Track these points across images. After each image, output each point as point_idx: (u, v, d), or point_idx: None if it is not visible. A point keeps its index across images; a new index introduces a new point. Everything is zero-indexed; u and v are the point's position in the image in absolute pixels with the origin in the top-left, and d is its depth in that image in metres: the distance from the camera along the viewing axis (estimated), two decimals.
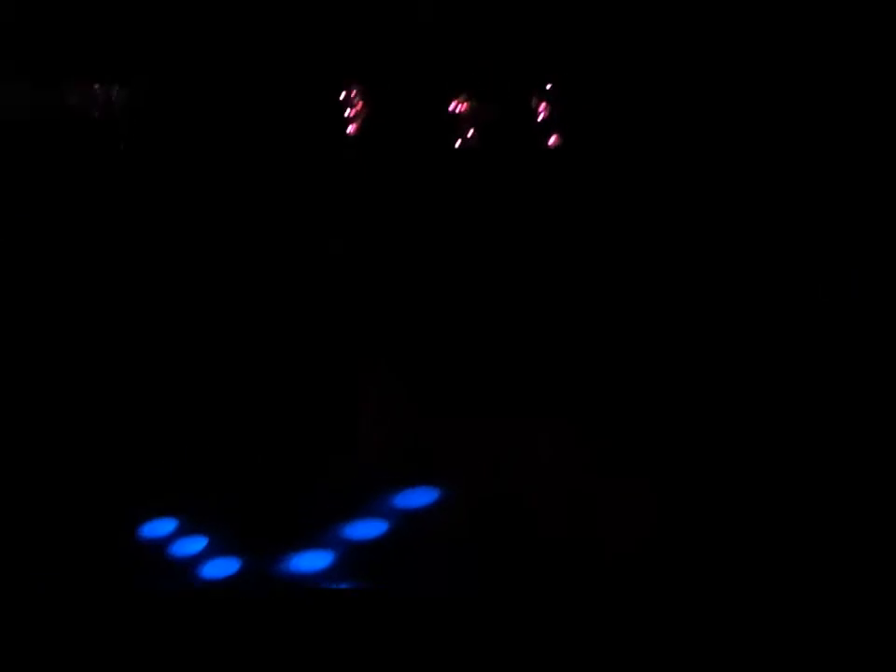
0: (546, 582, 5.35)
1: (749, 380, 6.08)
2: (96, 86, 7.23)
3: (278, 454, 6.10)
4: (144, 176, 7.06)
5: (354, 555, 5.73)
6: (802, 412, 5.89)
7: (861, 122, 6.52)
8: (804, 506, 5.48)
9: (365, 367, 6.57)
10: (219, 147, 7.09)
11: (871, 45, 6.48)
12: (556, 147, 6.92)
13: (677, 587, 5.25)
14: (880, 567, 5.14)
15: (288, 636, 5.41)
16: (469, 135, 7.03)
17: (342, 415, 6.32)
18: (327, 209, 7.02)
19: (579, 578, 5.34)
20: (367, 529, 5.92)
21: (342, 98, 7.15)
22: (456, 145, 7.04)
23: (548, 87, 6.94)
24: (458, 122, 7.03)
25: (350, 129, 7.15)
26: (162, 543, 5.85)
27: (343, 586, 5.68)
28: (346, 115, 7.15)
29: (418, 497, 6.03)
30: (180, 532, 5.91)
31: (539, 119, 6.95)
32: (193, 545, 5.89)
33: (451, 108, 7.03)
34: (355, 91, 7.15)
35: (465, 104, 7.02)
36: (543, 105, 6.94)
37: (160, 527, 5.97)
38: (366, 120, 7.15)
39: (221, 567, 5.73)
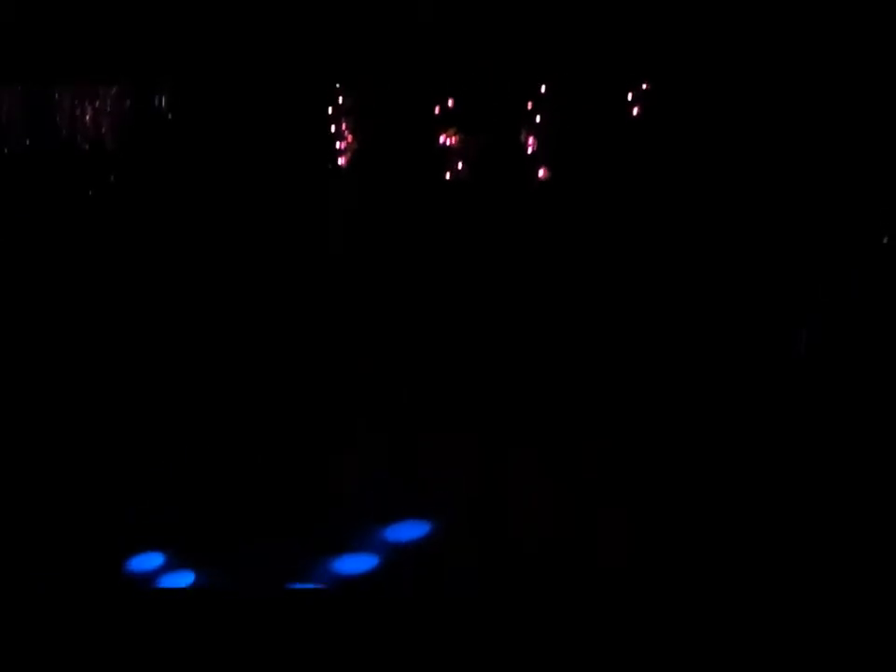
0: (542, 586, 5.37)
1: (745, 389, 6.13)
2: (87, 117, 7.26)
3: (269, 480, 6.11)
4: (141, 199, 7.10)
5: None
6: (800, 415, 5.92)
7: (858, 124, 6.59)
8: (797, 512, 5.52)
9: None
10: (216, 165, 7.15)
11: (870, 50, 6.52)
12: (546, 180, 7.00)
13: (666, 593, 5.27)
14: (863, 582, 5.18)
15: (288, 636, 5.38)
16: (459, 168, 7.11)
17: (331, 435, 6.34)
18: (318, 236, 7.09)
19: (572, 583, 5.36)
20: (357, 563, 5.92)
21: (332, 131, 7.23)
22: (447, 177, 7.12)
23: (537, 120, 7.03)
24: (448, 155, 7.11)
25: (341, 161, 7.22)
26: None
27: (343, 586, 5.67)
28: (337, 147, 7.22)
29: (408, 531, 6.03)
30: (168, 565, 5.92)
31: (529, 153, 7.04)
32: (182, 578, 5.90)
33: (441, 141, 7.11)
34: (345, 124, 7.23)
35: (455, 137, 7.10)
36: (532, 138, 7.03)
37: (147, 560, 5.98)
38: (356, 153, 7.22)
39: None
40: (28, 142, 7.28)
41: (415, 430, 6.30)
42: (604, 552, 5.61)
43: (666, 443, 6.04)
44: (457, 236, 7.04)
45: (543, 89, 7.00)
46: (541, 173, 7.03)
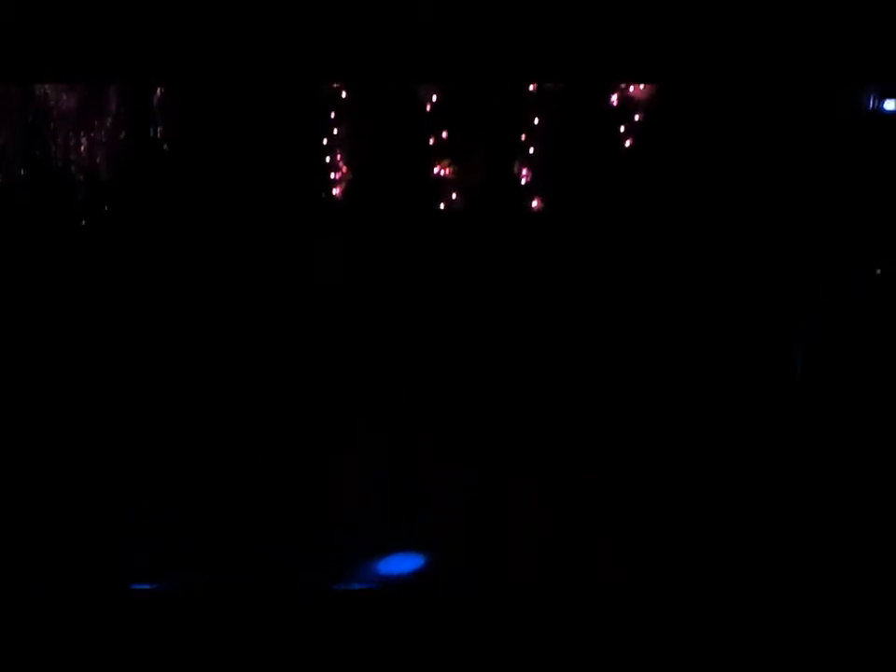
0: (542, 587, 5.49)
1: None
2: (82, 147, 7.25)
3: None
4: (136, 229, 7.12)
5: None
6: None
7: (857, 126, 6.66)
8: (796, 510, 5.65)
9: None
10: (211, 194, 7.17)
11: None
12: (539, 211, 7.07)
13: (666, 599, 5.40)
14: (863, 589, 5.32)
15: (287, 635, 5.47)
16: (453, 198, 7.16)
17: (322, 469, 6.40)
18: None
19: (573, 584, 5.48)
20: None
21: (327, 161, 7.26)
22: (441, 207, 7.17)
23: (531, 151, 7.09)
24: (442, 185, 7.16)
25: (336, 192, 7.26)
26: None
27: (344, 586, 5.76)
28: (332, 177, 7.25)
29: (402, 564, 6.13)
30: None
31: (523, 183, 7.10)
32: None
33: (435, 172, 7.16)
34: (340, 155, 7.26)
35: (449, 168, 7.15)
36: (525, 169, 7.08)
37: None
38: (351, 183, 7.26)
39: None
40: (22, 172, 7.25)
41: (415, 432, 6.39)
42: (603, 551, 5.74)
43: (666, 444, 6.16)
44: (451, 265, 7.11)
45: (537, 120, 7.05)
46: (535, 203, 7.09)
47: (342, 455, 6.38)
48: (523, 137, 7.08)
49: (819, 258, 6.51)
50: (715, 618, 5.45)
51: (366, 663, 5.44)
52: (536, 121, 7.05)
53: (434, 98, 7.12)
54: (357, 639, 5.53)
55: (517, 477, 6.18)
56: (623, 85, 6.99)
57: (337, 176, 7.27)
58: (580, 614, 5.56)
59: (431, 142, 7.14)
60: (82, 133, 7.23)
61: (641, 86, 6.94)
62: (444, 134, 7.13)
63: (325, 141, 7.24)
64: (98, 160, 7.26)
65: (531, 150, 7.08)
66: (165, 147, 7.22)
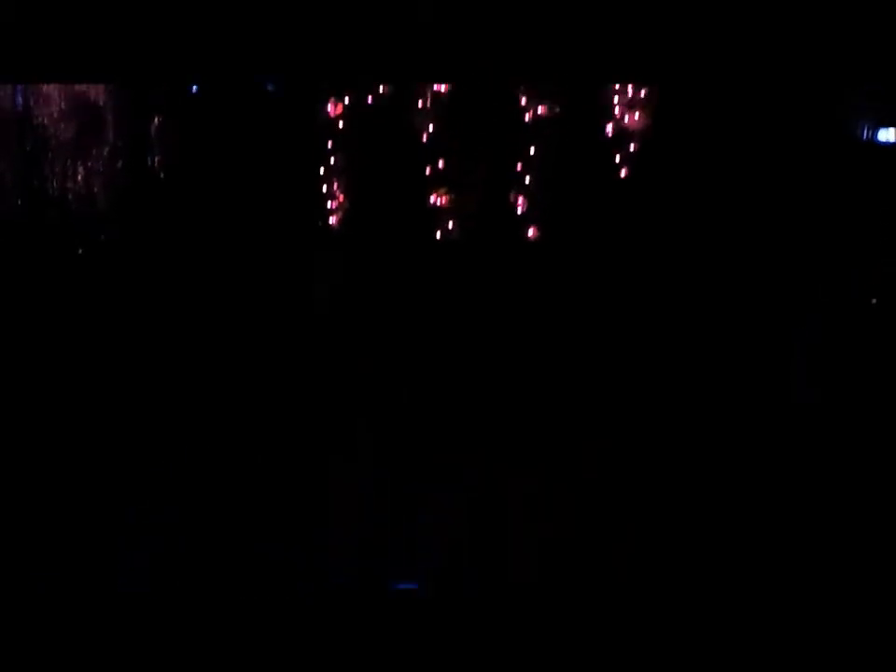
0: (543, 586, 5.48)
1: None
2: (79, 177, 7.27)
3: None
4: (133, 258, 7.14)
5: None
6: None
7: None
8: (795, 508, 5.65)
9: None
10: (207, 223, 7.20)
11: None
12: (536, 240, 7.10)
13: (668, 596, 5.40)
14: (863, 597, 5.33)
15: (287, 635, 5.45)
16: (449, 227, 7.19)
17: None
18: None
19: (573, 584, 5.48)
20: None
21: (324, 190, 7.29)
22: (437, 236, 7.20)
23: (527, 181, 7.13)
24: (439, 215, 7.19)
25: (332, 220, 7.29)
26: None
27: (343, 586, 5.75)
28: (329, 206, 7.29)
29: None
30: None
31: (519, 213, 7.14)
32: None
33: (431, 201, 7.19)
34: (337, 184, 7.29)
35: (445, 197, 7.18)
36: (522, 199, 7.13)
37: None
38: (347, 212, 7.29)
39: None
40: (19, 201, 7.27)
41: (415, 432, 6.40)
42: (604, 552, 5.74)
43: (667, 443, 6.18)
44: (448, 294, 7.14)
45: (533, 150, 7.10)
46: (531, 232, 7.13)
47: (341, 455, 6.39)
48: (519, 167, 7.12)
49: (819, 259, 6.53)
50: (715, 618, 5.46)
51: (366, 663, 5.44)
52: (532, 151, 7.09)
53: (431, 128, 7.17)
54: (357, 640, 5.53)
55: (517, 477, 6.19)
56: (618, 115, 7.04)
57: (334, 205, 7.30)
58: (580, 614, 5.57)
59: (428, 171, 7.17)
60: (80, 162, 7.25)
61: (636, 115, 6.99)
62: (441, 164, 7.17)
63: (322, 170, 7.27)
64: (95, 188, 7.28)
65: (527, 180, 7.12)
66: (162, 175, 7.25)
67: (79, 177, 7.26)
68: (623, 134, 7.05)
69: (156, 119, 7.27)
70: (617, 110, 7.04)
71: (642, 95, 7.01)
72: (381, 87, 7.19)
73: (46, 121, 7.19)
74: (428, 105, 7.16)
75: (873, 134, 6.64)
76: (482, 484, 6.15)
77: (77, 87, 7.12)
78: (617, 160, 7.04)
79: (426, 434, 6.43)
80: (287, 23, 6.63)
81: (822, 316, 6.40)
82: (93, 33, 6.56)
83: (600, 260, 6.95)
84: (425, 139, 7.19)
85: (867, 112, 6.67)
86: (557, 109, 7.09)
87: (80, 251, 7.30)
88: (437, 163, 7.18)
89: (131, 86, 7.14)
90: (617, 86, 7.02)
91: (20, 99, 7.18)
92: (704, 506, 5.86)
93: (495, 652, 5.34)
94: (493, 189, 7.18)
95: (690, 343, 6.64)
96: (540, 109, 7.10)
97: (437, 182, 7.19)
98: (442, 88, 7.13)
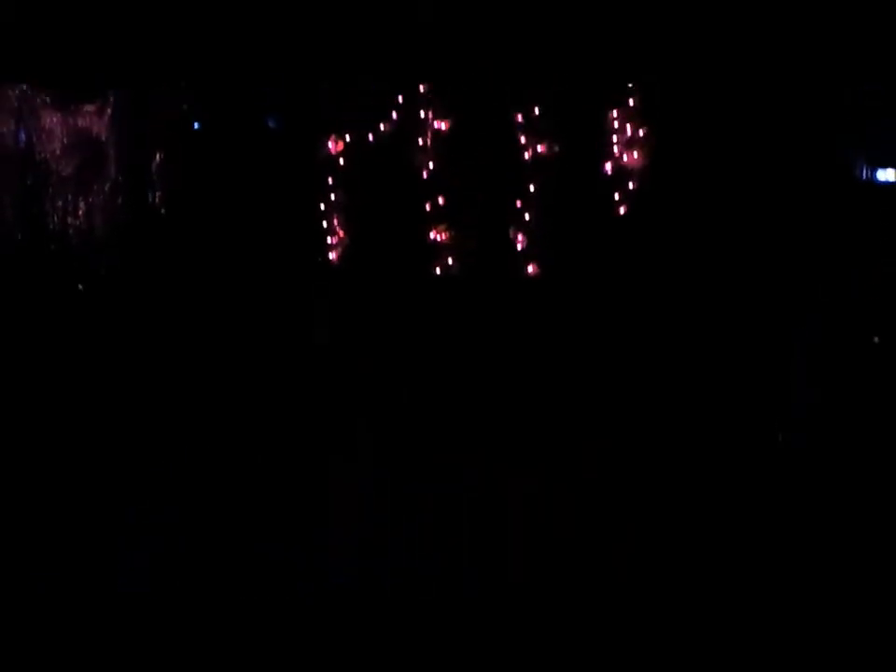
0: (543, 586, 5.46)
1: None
2: (79, 211, 7.29)
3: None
4: (133, 293, 7.17)
5: None
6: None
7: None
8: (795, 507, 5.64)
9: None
10: (207, 257, 7.23)
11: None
12: (535, 276, 7.14)
13: (667, 595, 5.38)
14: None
15: (287, 635, 5.42)
16: (449, 263, 7.23)
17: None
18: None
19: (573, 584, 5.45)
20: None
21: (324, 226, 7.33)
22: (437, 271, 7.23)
23: (526, 217, 7.17)
24: (438, 251, 7.23)
25: (332, 256, 7.32)
26: None
27: (343, 586, 5.72)
28: (329, 242, 7.32)
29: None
30: None
31: (518, 249, 7.17)
32: None
33: (431, 237, 7.23)
34: (337, 220, 7.33)
35: (445, 233, 7.22)
36: (521, 235, 7.17)
37: None
38: (348, 248, 7.32)
39: None
40: (20, 235, 7.29)
41: (415, 432, 6.40)
42: (604, 551, 5.72)
43: (667, 443, 6.17)
44: (447, 330, 7.16)
45: (532, 187, 7.15)
46: (530, 269, 7.16)
47: (341, 455, 6.39)
48: (518, 204, 7.16)
49: (819, 260, 6.55)
50: (714, 618, 5.45)
51: (366, 663, 5.43)
52: (531, 188, 7.14)
53: (431, 165, 7.22)
54: (357, 640, 5.52)
55: (517, 477, 6.19)
56: (616, 154, 7.10)
57: (334, 241, 7.33)
58: (579, 614, 5.56)
59: (428, 207, 7.22)
60: (80, 198, 7.27)
61: (635, 154, 7.05)
62: (441, 200, 7.21)
63: (322, 206, 7.31)
64: (96, 224, 7.30)
65: (527, 217, 7.16)
66: (163, 211, 7.28)
67: (80, 212, 7.29)
68: (621, 172, 7.10)
69: (157, 156, 7.30)
70: (616, 149, 7.10)
71: (641, 134, 7.07)
72: (381, 125, 7.26)
73: (48, 157, 7.22)
74: (429, 142, 7.20)
75: (871, 174, 6.71)
76: (482, 484, 6.14)
77: (79, 122, 7.17)
78: (616, 197, 7.08)
79: (425, 434, 6.44)
80: (287, 23, 6.67)
81: (822, 316, 6.42)
82: (93, 36, 6.60)
83: (600, 290, 6.99)
84: (425, 176, 7.24)
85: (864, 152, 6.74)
86: (556, 148, 7.15)
87: (80, 286, 7.31)
88: (437, 200, 7.22)
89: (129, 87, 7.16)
90: (616, 124, 7.08)
91: (22, 135, 7.21)
92: (704, 506, 5.86)
93: (494, 652, 5.32)
94: (492, 226, 7.21)
95: (690, 353, 6.66)
96: (540, 148, 7.15)
97: (437, 218, 7.23)
98: (443, 125, 7.19)
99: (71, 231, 7.30)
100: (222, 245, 7.24)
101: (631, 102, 7.00)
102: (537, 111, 7.09)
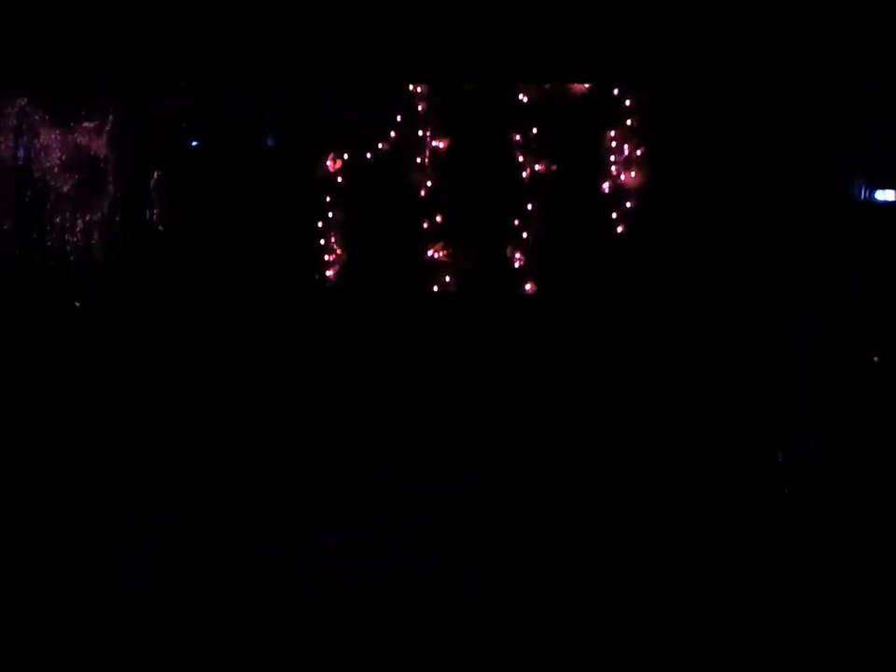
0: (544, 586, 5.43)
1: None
2: (77, 229, 7.30)
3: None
4: (129, 310, 7.17)
5: None
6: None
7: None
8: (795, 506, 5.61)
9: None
10: (205, 274, 7.24)
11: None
12: (532, 294, 7.14)
13: (669, 595, 5.35)
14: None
15: (287, 635, 5.39)
16: (446, 281, 7.23)
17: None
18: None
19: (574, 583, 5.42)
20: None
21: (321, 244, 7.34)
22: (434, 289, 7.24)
23: (524, 235, 7.19)
24: (436, 268, 7.23)
25: (329, 273, 7.32)
26: None
27: (343, 586, 5.69)
28: (326, 259, 7.33)
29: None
30: None
31: (516, 267, 7.18)
32: None
33: (429, 255, 7.24)
34: (335, 237, 7.33)
35: (442, 251, 7.23)
36: (518, 253, 7.17)
37: None
38: (345, 265, 7.33)
39: None
40: (17, 251, 7.29)
41: (415, 432, 6.38)
42: (604, 551, 5.69)
43: (667, 443, 6.15)
44: (444, 347, 7.16)
45: (530, 206, 7.16)
46: (528, 286, 7.17)
47: (341, 455, 6.38)
48: (516, 222, 7.18)
49: (819, 261, 6.55)
50: (714, 618, 5.42)
51: (366, 663, 5.40)
52: (529, 206, 7.16)
53: (429, 183, 7.24)
54: (357, 640, 5.49)
55: (517, 477, 6.17)
56: (614, 172, 7.12)
57: (331, 258, 7.33)
58: (580, 614, 5.53)
59: (425, 225, 7.23)
60: (78, 215, 7.28)
61: (633, 173, 7.07)
62: (438, 218, 7.22)
63: (320, 224, 7.32)
64: (94, 241, 7.31)
65: (524, 235, 7.18)
66: (161, 228, 7.29)
67: (78, 229, 7.29)
68: (619, 191, 7.12)
69: (155, 173, 7.31)
70: (613, 168, 7.12)
71: (638, 153, 7.09)
72: (380, 144, 7.28)
73: (46, 173, 7.24)
74: (427, 160, 7.22)
75: (870, 194, 6.72)
76: (482, 484, 6.12)
77: (77, 139, 7.19)
78: (613, 215, 7.10)
79: (425, 434, 6.44)
80: (287, 23, 6.69)
81: (822, 316, 6.42)
82: (93, 35, 6.61)
83: (598, 306, 6.99)
84: (423, 194, 7.25)
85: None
86: (554, 167, 7.17)
87: (77, 304, 7.31)
88: (435, 218, 7.23)
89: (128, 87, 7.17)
90: (614, 143, 7.11)
91: (21, 151, 7.23)
92: (703, 505, 5.84)
93: (494, 652, 5.30)
94: (490, 244, 7.22)
95: (690, 354, 6.65)
96: (537, 166, 7.17)
97: (434, 236, 7.24)
98: (441, 144, 7.21)
99: (69, 248, 7.31)
100: (220, 263, 7.24)
101: (629, 121, 7.03)
102: (535, 130, 7.13)
